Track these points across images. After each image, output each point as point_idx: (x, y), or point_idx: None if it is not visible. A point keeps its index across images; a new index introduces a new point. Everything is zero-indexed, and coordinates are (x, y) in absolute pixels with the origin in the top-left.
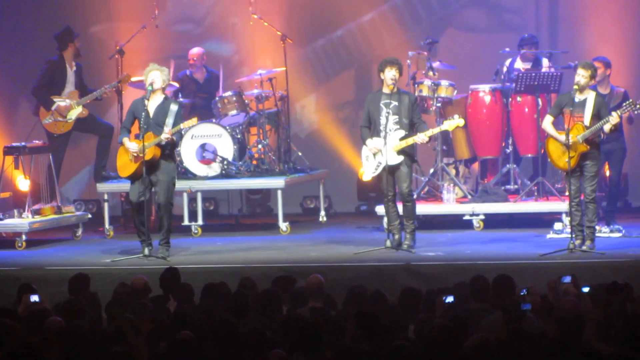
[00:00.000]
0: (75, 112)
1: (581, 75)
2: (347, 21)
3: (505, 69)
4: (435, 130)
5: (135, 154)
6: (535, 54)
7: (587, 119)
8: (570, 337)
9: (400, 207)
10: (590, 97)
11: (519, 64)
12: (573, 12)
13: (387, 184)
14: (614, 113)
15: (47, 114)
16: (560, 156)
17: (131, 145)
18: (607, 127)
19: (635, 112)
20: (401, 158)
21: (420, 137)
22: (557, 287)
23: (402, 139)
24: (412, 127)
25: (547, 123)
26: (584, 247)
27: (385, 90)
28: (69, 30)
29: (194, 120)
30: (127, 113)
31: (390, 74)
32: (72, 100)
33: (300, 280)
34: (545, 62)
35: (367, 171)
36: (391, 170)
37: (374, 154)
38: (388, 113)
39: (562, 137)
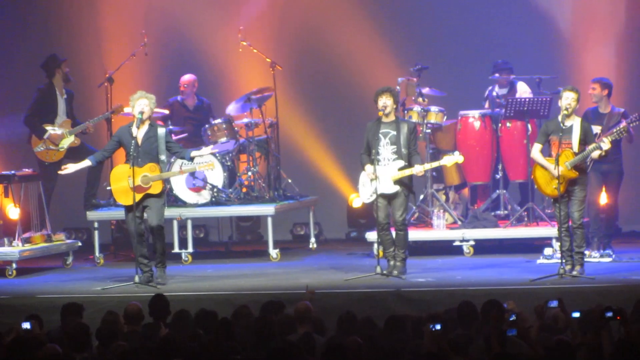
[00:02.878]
0: (68, 141)
1: (571, 99)
2: (338, 48)
3: (486, 94)
4: (434, 164)
5: (144, 185)
6: (507, 80)
7: (575, 145)
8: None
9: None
10: (576, 123)
11: (496, 90)
12: (562, 37)
13: (382, 212)
14: (605, 139)
15: (39, 142)
16: (548, 183)
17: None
18: (595, 154)
19: (622, 135)
20: (397, 188)
21: (417, 170)
22: (545, 312)
23: (400, 169)
24: (410, 156)
25: (536, 152)
26: (574, 272)
27: (384, 119)
28: (54, 57)
29: (212, 164)
30: (112, 138)
31: (381, 102)
32: (65, 129)
33: (290, 307)
34: (521, 86)
35: (363, 197)
36: (388, 197)
37: (371, 181)
38: (387, 143)
39: (552, 166)
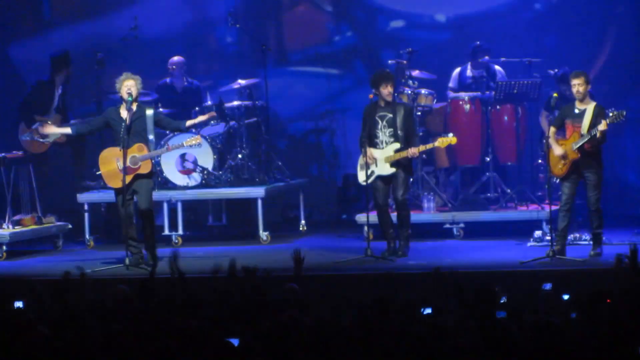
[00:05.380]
0: (54, 136)
1: (577, 85)
2: (328, 30)
3: (457, 76)
4: (428, 146)
5: (133, 166)
6: (486, 62)
7: (584, 128)
8: (555, 343)
9: (394, 216)
10: (589, 107)
11: (470, 72)
12: (551, 20)
13: (381, 194)
14: (602, 121)
15: (26, 131)
16: (556, 163)
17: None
18: (597, 134)
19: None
20: (394, 170)
21: (412, 152)
22: (537, 295)
23: (397, 151)
24: (407, 139)
25: (550, 134)
26: (591, 252)
27: (381, 102)
28: (66, 56)
29: (198, 138)
30: (100, 117)
31: (385, 91)
32: (54, 124)
33: (279, 289)
34: (498, 68)
35: (361, 179)
36: (386, 179)
37: (369, 164)
38: (384, 126)
39: (558, 149)
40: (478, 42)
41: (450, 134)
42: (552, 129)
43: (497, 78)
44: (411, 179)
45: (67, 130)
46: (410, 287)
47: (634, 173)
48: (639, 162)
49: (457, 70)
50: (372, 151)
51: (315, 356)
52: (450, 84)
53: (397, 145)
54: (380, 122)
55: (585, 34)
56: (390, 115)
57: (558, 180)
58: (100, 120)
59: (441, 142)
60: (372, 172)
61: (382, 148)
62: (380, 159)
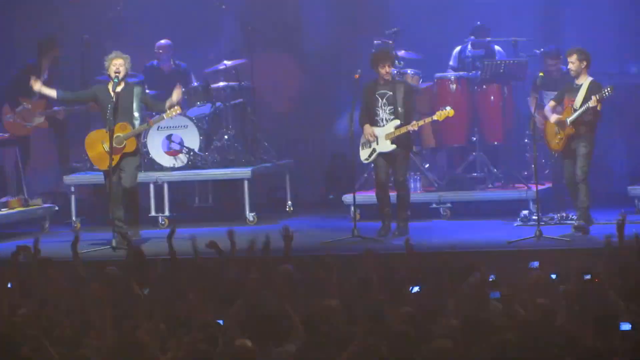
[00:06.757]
0: (37, 121)
1: (570, 62)
2: (314, 10)
3: (457, 54)
4: (427, 120)
5: (119, 146)
6: (486, 42)
7: (577, 103)
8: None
9: (393, 196)
10: (585, 83)
11: (469, 52)
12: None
13: (381, 171)
14: (592, 97)
15: (8, 112)
16: (553, 137)
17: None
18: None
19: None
20: (394, 146)
21: (411, 126)
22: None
23: (397, 127)
24: (407, 115)
25: (547, 108)
26: (574, 224)
27: (380, 80)
28: (53, 40)
29: (177, 109)
30: (88, 90)
31: (383, 70)
32: (38, 109)
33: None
34: (498, 48)
35: (362, 157)
36: (387, 157)
37: (370, 142)
38: (384, 104)
39: (553, 117)
40: (479, 22)
41: (448, 107)
42: (552, 103)
43: (497, 58)
44: (412, 152)
45: (53, 93)
46: (397, 267)
47: (620, 153)
48: (625, 142)
49: (457, 49)
50: (372, 129)
51: None
52: (451, 62)
53: (397, 122)
54: (380, 100)
55: (570, 13)
56: (390, 93)
57: (557, 155)
58: (88, 93)
59: (439, 115)
60: (374, 150)
61: (382, 126)
62: (381, 136)
